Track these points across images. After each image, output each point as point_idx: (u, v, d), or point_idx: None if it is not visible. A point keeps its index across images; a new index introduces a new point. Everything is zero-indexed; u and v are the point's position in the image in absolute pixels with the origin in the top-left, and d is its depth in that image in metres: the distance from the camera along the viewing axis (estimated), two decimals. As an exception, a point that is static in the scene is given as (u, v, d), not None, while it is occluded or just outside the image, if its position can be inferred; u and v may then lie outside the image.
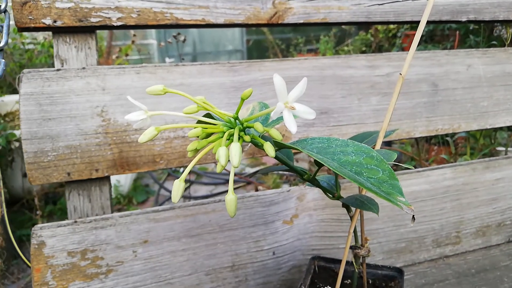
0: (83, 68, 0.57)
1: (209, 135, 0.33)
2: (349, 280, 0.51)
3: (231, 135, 0.32)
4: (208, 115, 0.35)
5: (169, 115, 0.33)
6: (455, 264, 0.70)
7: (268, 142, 0.29)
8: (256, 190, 1.27)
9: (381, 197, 0.25)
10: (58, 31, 0.58)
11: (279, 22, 0.65)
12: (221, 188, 2.29)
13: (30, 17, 0.54)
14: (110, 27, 0.59)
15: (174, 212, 0.59)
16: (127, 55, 2.30)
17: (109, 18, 0.57)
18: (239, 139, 0.32)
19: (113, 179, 2.18)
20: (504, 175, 0.75)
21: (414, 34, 0.36)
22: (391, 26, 2.90)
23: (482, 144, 1.24)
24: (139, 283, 0.58)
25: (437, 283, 0.65)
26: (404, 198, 0.26)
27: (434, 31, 2.73)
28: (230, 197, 0.28)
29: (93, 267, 0.56)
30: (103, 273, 0.56)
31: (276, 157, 0.36)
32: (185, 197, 2.26)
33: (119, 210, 2.23)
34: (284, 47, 3.66)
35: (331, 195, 0.41)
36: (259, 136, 0.34)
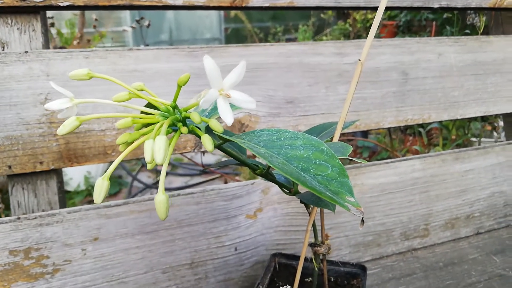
0: (26, 52, 0.52)
1: (147, 126, 0.30)
2: (310, 278, 0.48)
3: (169, 125, 0.28)
4: (149, 105, 0.32)
5: (101, 103, 0.29)
6: (423, 257, 0.69)
7: (205, 135, 0.26)
8: (225, 182, 1.23)
9: (326, 197, 0.22)
10: (-2, 10, 0.53)
11: (243, 5, 0.61)
12: (197, 179, 2.24)
13: (-39, -7, 0.49)
14: (56, 8, 0.54)
15: (127, 207, 0.56)
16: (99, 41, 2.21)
17: (53, -4, 0.52)
18: (176, 131, 0.28)
19: (84, 170, 2.11)
20: (473, 167, 0.74)
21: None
22: (369, 15, 2.89)
23: (456, 135, 1.24)
24: (88, 282, 0.54)
25: (404, 277, 0.63)
26: (353, 198, 0.23)
27: (411, 21, 2.73)
28: (160, 198, 0.25)
29: (38, 267, 0.52)
30: (49, 273, 0.52)
31: (224, 150, 0.32)
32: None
33: (89, 203, 2.16)
34: (263, 35, 3.60)
35: (287, 191, 0.38)
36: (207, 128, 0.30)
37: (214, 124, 0.26)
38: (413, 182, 0.70)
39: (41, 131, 0.52)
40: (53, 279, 0.52)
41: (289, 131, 0.28)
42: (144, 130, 0.28)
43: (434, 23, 2.02)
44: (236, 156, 0.33)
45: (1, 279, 0.50)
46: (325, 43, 0.67)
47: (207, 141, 0.25)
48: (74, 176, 2.10)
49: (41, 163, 0.53)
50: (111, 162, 0.56)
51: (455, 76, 0.72)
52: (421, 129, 1.11)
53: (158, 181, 2.22)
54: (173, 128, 0.29)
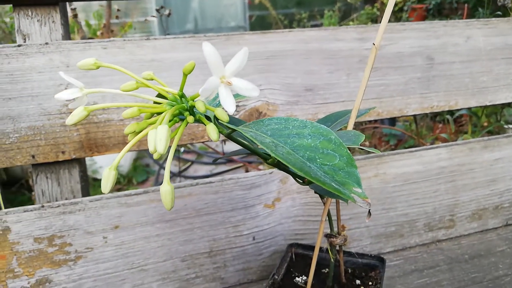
0: (46, 43, 0.53)
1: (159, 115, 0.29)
2: (326, 269, 0.48)
3: (175, 115, 0.28)
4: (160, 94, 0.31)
5: (110, 92, 0.29)
6: (448, 249, 0.67)
7: (210, 124, 0.25)
8: (247, 171, 1.23)
9: (330, 188, 0.21)
10: (19, 3, 0.54)
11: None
12: (221, 168, 2.26)
13: (-17, -13, 0.50)
14: (74, -2, 0.54)
15: (147, 196, 0.56)
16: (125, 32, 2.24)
17: (71, -12, 0.53)
18: (183, 119, 0.28)
19: (112, 159, 2.16)
20: (503, 155, 0.71)
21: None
22: (398, -1, 2.79)
23: (487, 121, 1.18)
24: (110, 270, 0.55)
25: (427, 269, 0.62)
26: (361, 189, 0.22)
27: (441, 4, 2.62)
28: (165, 188, 0.25)
29: (61, 254, 0.53)
30: (72, 260, 0.54)
31: (233, 140, 0.32)
32: (186, 176, 2.24)
33: (118, 190, 2.22)
34: (287, 22, 3.55)
35: (301, 181, 0.37)
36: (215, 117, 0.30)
37: (220, 113, 0.26)
38: (439, 171, 0.67)
39: (62, 121, 0.53)
40: (76, 266, 0.54)
41: (298, 119, 0.28)
42: (152, 119, 0.28)
43: (466, 5, 1.94)
44: (247, 146, 0.33)
45: (26, 265, 0.52)
46: (346, 28, 0.65)
47: (212, 131, 0.25)
48: (103, 164, 2.16)
49: (63, 152, 0.54)
50: (135, 151, 0.56)
51: (484, 61, 0.69)
52: (448, 116, 1.07)
53: (184, 169, 2.24)
54: (180, 117, 0.29)
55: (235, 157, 1.57)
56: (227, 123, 0.27)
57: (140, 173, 2.28)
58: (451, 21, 0.69)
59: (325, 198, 0.39)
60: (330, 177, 0.22)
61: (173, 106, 0.28)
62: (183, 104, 0.28)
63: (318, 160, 0.24)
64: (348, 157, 0.24)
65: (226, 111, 0.23)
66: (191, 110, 0.28)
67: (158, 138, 0.22)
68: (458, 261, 0.63)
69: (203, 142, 0.62)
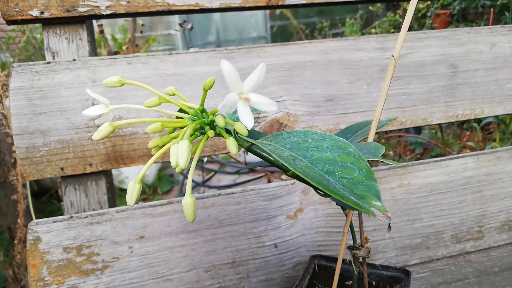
0: (74, 60, 0.56)
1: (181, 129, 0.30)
2: (350, 282, 0.47)
3: (196, 130, 0.29)
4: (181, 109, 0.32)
5: (134, 108, 0.30)
6: (477, 262, 0.65)
7: (230, 138, 0.26)
8: (269, 182, 1.23)
9: (349, 202, 0.21)
10: (48, 22, 0.56)
11: (279, 3, 0.61)
12: (244, 177, 2.27)
13: (16, 9, 0.53)
14: (100, 17, 0.56)
15: (171, 207, 0.57)
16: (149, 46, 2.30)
17: (97, 6, 0.55)
18: (204, 133, 0.29)
19: (138, 169, 2.20)
20: (533, 164, 0.68)
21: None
22: (421, 5, 2.76)
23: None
24: (136, 279, 0.56)
25: (455, 282, 0.60)
26: (380, 202, 0.22)
27: (466, 9, 2.57)
28: (187, 201, 0.25)
29: (89, 263, 0.55)
30: (99, 269, 0.55)
31: (253, 152, 0.32)
32: (209, 186, 2.26)
33: (144, 200, 2.26)
34: (309, 31, 3.56)
35: (321, 193, 0.37)
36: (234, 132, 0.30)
37: (239, 127, 0.26)
38: (465, 181, 0.66)
39: (90, 135, 0.55)
40: (103, 275, 0.55)
41: (317, 132, 0.28)
42: (174, 133, 0.29)
43: (492, 9, 1.89)
44: (267, 158, 0.33)
45: (56, 274, 0.54)
46: (367, 38, 0.64)
47: (232, 145, 0.25)
48: (129, 175, 2.20)
49: (90, 165, 0.56)
50: (160, 162, 0.58)
51: (510, 67, 0.67)
52: (475, 124, 1.05)
53: (207, 179, 2.26)
54: (201, 131, 0.30)
55: (257, 168, 1.57)
56: (246, 136, 0.27)
57: (165, 183, 2.31)
58: (475, 28, 0.68)
59: (346, 210, 0.39)
60: (349, 191, 0.22)
61: (194, 120, 0.29)
62: (204, 119, 0.28)
63: (337, 174, 0.24)
64: (368, 170, 0.24)
65: (245, 126, 0.23)
66: (212, 125, 0.29)
67: (180, 153, 0.23)
68: (488, 274, 0.61)
69: (225, 153, 0.63)
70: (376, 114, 0.33)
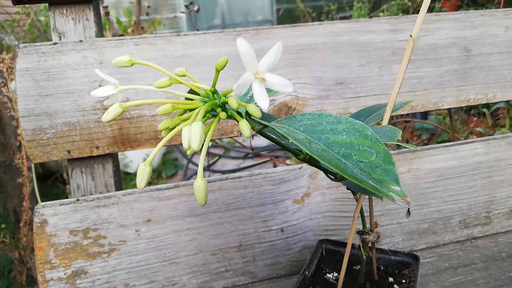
0: (80, 41, 0.55)
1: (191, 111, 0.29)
2: (358, 266, 0.47)
3: (208, 111, 0.28)
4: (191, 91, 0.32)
5: (145, 89, 0.30)
6: (484, 247, 0.64)
7: (243, 120, 0.25)
8: (275, 166, 1.23)
9: (368, 186, 0.21)
10: (54, 2, 0.55)
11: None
12: (249, 162, 2.27)
13: (21, -13, 0.52)
14: (106, -4, 0.55)
15: (178, 190, 0.57)
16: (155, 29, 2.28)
17: (103, -15, 0.54)
18: (216, 116, 0.28)
19: (143, 153, 2.20)
20: (545, 150, 0.67)
21: None
22: (430, -12, 2.70)
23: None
24: (143, 262, 0.56)
25: (462, 267, 0.60)
26: (399, 187, 0.21)
27: (477, -8, 2.51)
28: (199, 183, 0.25)
29: (96, 246, 0.55)
30: (106, 252, 0.55)
31: (265, 135, 0.32)
32: (214, 171, 2.26)
33: (149, 184, 2.27)
34: (316, 15, 3.51)
35: (332, 177, 0.36)
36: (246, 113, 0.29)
37: (252, 109, 0.26)
38: (475, 166, 0.65)
39: (96, 117, 0.55)
40: (110, 258, 0.55)
41: (331, 114, 0.27)
42: (185, 115, 0.28)
43: (503, -7, 1.84)
44: (278, 141, 0.32)
45: (63, 257, 0.54)
46: (378, 20, 0.63)
47: (245, 127, 0.25)
48: (134, 159, 2.21)
49: (97, 147, 0.56)
50: (165, 146, 0.57)
51: (525, 51, 0.66)
52: (485, 110, 1.03)
53: (212, 163, 2.26)
54: (213, 113, 0.29)
55: (262, 152, 1.57)
56: (259, 119, 0.26)
57: (169, 167, 2.32)
58: (489, 11, 0.66)
59: (357, 195, 0.38)
60: (366, 175, 0.22)
61: (205, 102, 0.28)
62: (216, 101, 0.28)
63: (354, 157, 0.23)
64: (386, 154, 0.23)
65: (259, 107, 0.23)
66: (223, 106, 0.28)
67: (193, 135, 0.22)
68: (495, 259, 0.61)
69: (231, 137, 0.62)
70: (392, 96, 0.32)
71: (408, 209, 0.24)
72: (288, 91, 0.23)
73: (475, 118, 1.72)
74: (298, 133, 0.25)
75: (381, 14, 3.26)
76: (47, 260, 0.53)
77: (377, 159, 0.23)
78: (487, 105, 1.44)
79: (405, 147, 0.62)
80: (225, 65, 0.26)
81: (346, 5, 3.60)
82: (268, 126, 0.27)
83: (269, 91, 0.31)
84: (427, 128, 1.79)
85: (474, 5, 2.60)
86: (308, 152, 0.22)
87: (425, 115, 1.95)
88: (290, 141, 0.35)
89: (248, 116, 0.30)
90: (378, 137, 0.24)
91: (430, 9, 2.85)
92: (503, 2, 1.78)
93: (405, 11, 3.08)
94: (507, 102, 1.06)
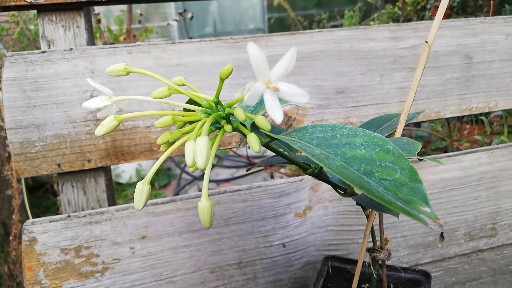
0: (71, 49, 0.52)
1: (191, 123, 0.27)
2: (367, 285, 0.45)
3: (212, 123, 0.26)
4: (191, 101, 0.29)
5: (142, 100, 0.27)
6: (491, 260, 0.62)
7: (252, 134, 0.23)
8: (272, 177, 1.21)
9: (397, 209, 0.18)
10: (43, 9, 0.53)
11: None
12: (242, 171, 2.24)
13: (8, -7, 0.49)
14: (98, 3, 0.53)
15: (174, 205, 0.54)
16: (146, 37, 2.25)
17: (95, -8, 0.51)
18: (220, 129, 0.26)
19: (135, 163, 2.16)
20: (549, 159, 0.66)
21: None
22: (420, -4, 2.72)
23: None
24: (137, 281, 0.53)
25: (470, 281, 0.58)
26: (429, 208, 0.19)
27: (466, 1, 2.54)
28: (204, 204, 0.22)
29: (88, 265, 0.52)
30: (99, 271, 0.52)
31: (271, 149, 0.29)
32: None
33: (141, 194, 2.22)
34: (307, 23, 3.52)
35: (342, 192, 0.34)
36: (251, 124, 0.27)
37: (260, 121, 0.23)
38: (479, 177, 0.63)
39: (88, 129, 0.52)
40: (103, 278, 0.52)
41: (346, 127, 0.25)
42: (186, 128, 0.26)
43: (491, 2, 1.86)
44: (285, 155, 0.30)
45: (53, 277, 0.51)
46: (379, 27, 0.61)
47: (254, 141, 0.22)
48: (126, 169, 2.17)
49: (89, 161, 0.53)
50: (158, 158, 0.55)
51: (528, 58, 0.65)
52: (483, 117, 1.02)
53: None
54: (216, 126, 0.27)
55: (255, 160, 1.54)
56: (268, 131, 0.24)
57: (162, 177, 2.28)
58: (489, 18, 0.65)
59: (368, 211, 0.36)
60: (393, 195, 0.20)
61: (208, 114, 0.26)
62: (220, 112, 0.25)
63: (376, 174, 0.21)
64: (411, 171, 0.21)
65: (272, 119, 0.20)
66: (228, 118, 0.26)
67: (198, 151, 0.20)
68: (502, 273, 0.59)
69: (230, 149, 0.60)
70: (405, 106, 0.30)
71: (442, 233, 0.22)
72: (304, 102, 0.21)
73: (467, 126, 1.72)
74: (313, 148, 0.23)
75: (371, 22, 3.28)
76: (37, 280, 0.50)
77: (402, 176, 0.21)
78: (488, 113, 1.43)
79: (425, 161, 0.60)
80: (230, 74, 0.24)
81: (337, 14, 3.62)
82: (276, 138, 0.24)
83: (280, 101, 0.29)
84: (420, 136, 1.78)
85: (463, 14, 2.63)
86: (328, 169, 0.19)
87: (417, 123, 1.94)
88: (297, 153, 0.33)
89: (253, 128, 0.28)
90: (400, 151, 0.22)
91: (421, 18, 2.88)
92: (492, 11, 1.79)
93: (395, 20, 3.11)
94: (507, 110, 1.05)
